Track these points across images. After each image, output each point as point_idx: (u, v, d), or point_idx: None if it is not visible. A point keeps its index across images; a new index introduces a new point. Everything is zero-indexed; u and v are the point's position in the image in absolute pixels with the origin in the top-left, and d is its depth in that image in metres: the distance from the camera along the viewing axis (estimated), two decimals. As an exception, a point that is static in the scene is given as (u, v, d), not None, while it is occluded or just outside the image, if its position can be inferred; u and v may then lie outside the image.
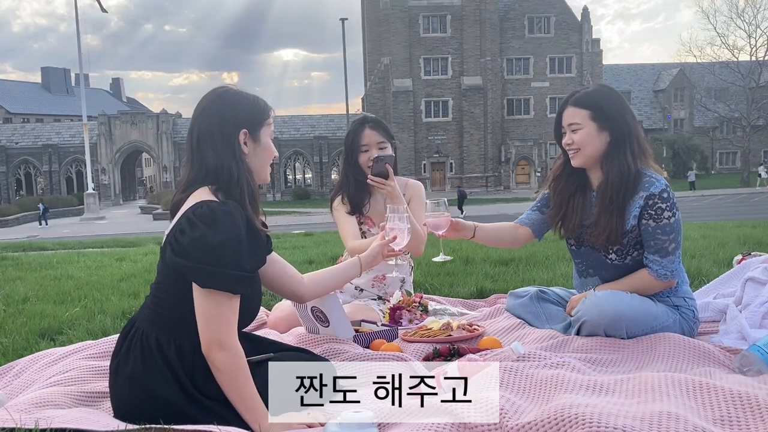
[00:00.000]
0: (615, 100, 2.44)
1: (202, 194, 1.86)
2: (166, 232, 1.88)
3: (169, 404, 1.79)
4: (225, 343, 1.77)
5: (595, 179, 2.51)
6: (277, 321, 2.93)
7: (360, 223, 3.12)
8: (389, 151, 3.06)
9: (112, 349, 1.98)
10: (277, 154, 2.06)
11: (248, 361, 1.94)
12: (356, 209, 3.10)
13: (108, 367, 2.04)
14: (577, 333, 2.41)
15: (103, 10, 29.68)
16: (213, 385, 1.81)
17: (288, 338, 2.57)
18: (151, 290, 1.97)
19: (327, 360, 2.19)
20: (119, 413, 1.87)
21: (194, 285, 1.78)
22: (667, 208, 2.35)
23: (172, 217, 1.92)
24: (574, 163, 2.48)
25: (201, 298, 1.78)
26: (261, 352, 2.02)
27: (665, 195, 2.36)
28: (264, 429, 1.74)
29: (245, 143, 1.93)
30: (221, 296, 1.77)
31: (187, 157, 1.98)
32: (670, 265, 2.39)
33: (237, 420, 1.79)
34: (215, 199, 1.84)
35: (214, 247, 1.74)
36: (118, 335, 2.09)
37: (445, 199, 2.61)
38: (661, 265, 2.38)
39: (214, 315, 1.77)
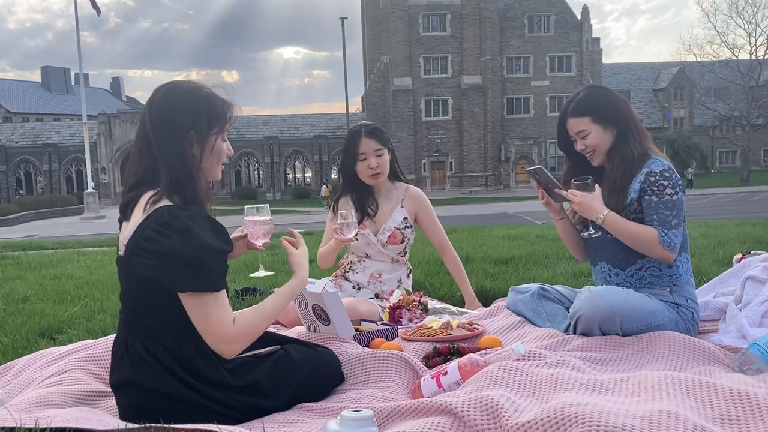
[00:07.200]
0: (607, 96, 2.57)
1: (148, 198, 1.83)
2: (125, 240, 1.83)
3: (167, 396, 1.82)
4: (226, 337, 1.81)
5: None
6: (288, 308, 2.92)
7: None
8: (386, 157, 3.14)
9: (112, 348, 1.99)
10: (231, 153, 2.02)
11: (255, 354, 1.99)
12: (362, 210, 3.19)
13: (106, 367, 2.05)
14: (574, 328, 2.42)
15: (97, 11, 29.15)
16: (215, 372, 1.85)
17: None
18: (121, 302, 1.96)
19: (333, 353, 2.21)
20: (128, 421, 1.87)
21: (179, 293, 1.79)
22: (670, 186, 2.43)
23: (123, 216, 1.88)
24: (595, 163, 2.60)
25: (187, 303, 1.79)
26: (267, 346, 2.05)
27: (667, 174, 2.44)
28: (298, 286, 2.05)
29: (194, 144, 1.88)
30: (205, 296, 1.79)
31: (134, 155, 1.92)
32: (674, 238, 2.42)
33: (237, 402, 1.85)
34: (170, 202, 1.81)
35: (188, 255, 1.74)
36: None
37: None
38: (666, 234, 2.41)
39: (204, 318, 1.79)
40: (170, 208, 1.78)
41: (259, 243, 2.21)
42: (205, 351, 1.87)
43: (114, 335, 2.43)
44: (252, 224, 2.19)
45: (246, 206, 2.21)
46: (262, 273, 2.42)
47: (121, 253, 1.86)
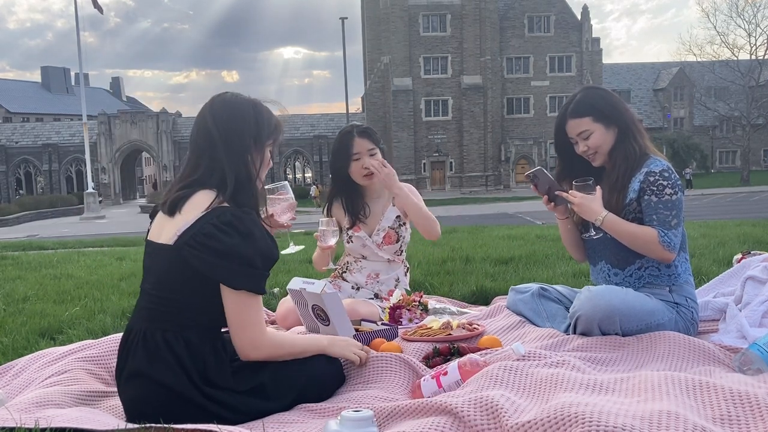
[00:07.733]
0: (604, 96, 2.57)
1: (209, 197, 1.89)
2: (178, 231, 1.87)
3: (176, 395, 1.83)
4: (257, 343, 1.91)
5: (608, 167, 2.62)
6: (287, 313, 2.97)
7: (348, 228, 3.19)
8: (379, 157, 3.09)
9: (112, 348, 1.99)
10: (272, 164, 2.12)
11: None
12: (353, 214, 3.17)
13: (106, 367, 2.04)
14: (574, 328, 2.42)
15: (100, 10, 28.85)
16: (223, 375, 1.88)
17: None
18: (145, 292, 1.98)
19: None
20: (131, 414, 1.88)
21: (225, 288, 1.85)
22: (669, 186, 2.43)
23: (171, 210, 1.92)
24: (596, 163, 2.59)
25: (232, 300, 1.86)
26: None
27: (666, 174, 2.44)
28: (329, 350, 2.08)
29: (253, 152, 1.99)
30: (249, 298, 1.87)
31: (192, 155, 1.99)
32: (674, 238, 2.42)
33: (244, 407, 1.87)
34: (226, 204, 1.89)
35: (249, 256, 1.84)
36: (119, 336, 2.11)
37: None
38: (666, 234, 2.41)
39: (245, 317, 1.88)
40: (232, 209, 1.87)
41: (284, 219, 2.29)
42: (219, 353, 1.91)
43: (114, 334, 2.42)
44: (276, 202, 2.28)
45: (264, 186, 2.29)
46: (293, 249, 2.51)
47: (170, 243, 1.88)
